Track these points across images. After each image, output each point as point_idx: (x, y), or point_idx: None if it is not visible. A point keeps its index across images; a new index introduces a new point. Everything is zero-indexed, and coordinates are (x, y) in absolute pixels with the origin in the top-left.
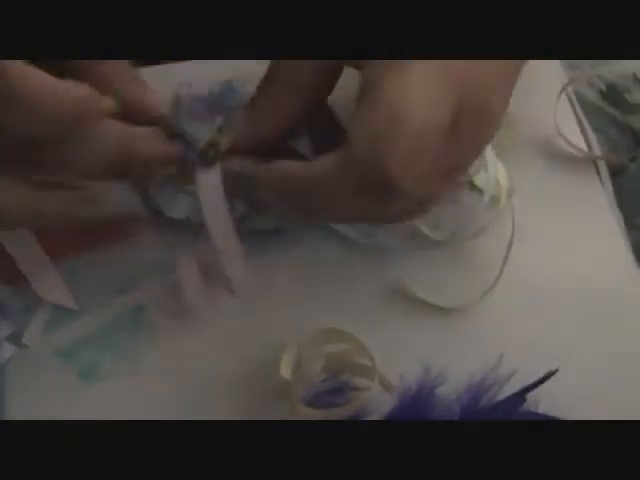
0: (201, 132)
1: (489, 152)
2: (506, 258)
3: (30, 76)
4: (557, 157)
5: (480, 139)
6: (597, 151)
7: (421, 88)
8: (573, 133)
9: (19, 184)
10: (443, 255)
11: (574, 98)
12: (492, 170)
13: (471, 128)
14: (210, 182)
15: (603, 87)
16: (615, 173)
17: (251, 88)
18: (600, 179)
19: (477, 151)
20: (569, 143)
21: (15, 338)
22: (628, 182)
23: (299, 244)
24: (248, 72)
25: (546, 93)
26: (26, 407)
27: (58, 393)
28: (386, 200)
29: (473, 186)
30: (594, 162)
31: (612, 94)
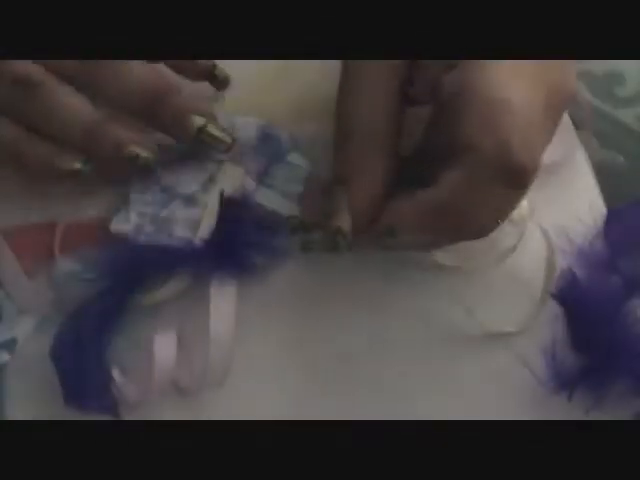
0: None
1: None
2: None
3: None
4: None
5: (560, 117)
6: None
7: (515, 77)
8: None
9: (15, 122)
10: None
11: None
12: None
13: (556, 106)
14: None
15: (593, 82)
16: (605, 167)
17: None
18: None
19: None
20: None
21: (9, 344)
22: (618, 176)
23: None
24: None
25: None
26: (26, 407)
27: (58, 393)
28: (517, 184)
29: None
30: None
31: (602, 88)
